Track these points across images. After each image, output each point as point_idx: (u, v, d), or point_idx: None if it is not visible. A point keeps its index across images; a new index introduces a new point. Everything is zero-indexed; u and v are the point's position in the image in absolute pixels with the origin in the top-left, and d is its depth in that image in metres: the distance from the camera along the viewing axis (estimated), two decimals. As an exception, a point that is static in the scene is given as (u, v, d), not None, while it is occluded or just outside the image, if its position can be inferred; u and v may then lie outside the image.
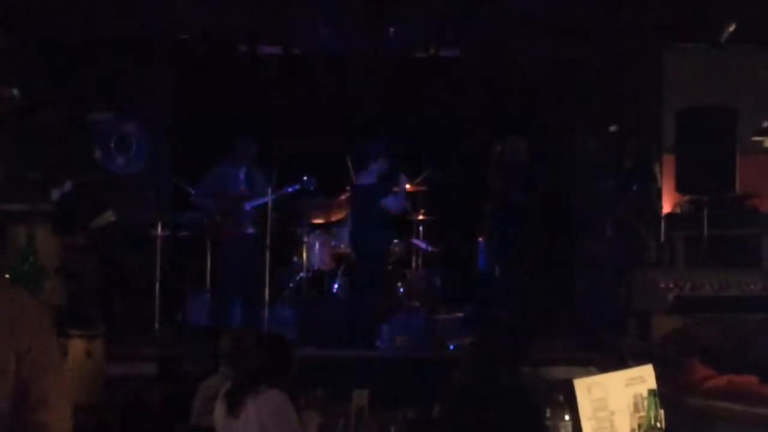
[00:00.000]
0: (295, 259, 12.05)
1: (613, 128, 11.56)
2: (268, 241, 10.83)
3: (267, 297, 11.24)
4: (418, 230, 11.82)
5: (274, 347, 5.62)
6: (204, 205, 10.80)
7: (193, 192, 11.02)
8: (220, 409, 5.33)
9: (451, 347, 10.27)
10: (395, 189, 10.93)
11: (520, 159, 10.85)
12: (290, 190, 10.90)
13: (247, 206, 10.79)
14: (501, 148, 10.95)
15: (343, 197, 12.27)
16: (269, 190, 10.81)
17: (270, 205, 10.80)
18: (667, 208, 10.46)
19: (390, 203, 10.85)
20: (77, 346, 8.62)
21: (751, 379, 5.99)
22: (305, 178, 10.94)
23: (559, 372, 7.11)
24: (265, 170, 10.96)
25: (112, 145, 11.55)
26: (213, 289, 11.19)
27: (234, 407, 5.21)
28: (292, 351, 5.67)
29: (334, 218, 12.21)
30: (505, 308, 10.92)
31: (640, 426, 3.97)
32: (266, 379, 5.27)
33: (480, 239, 11.83)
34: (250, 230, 10.85)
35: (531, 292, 10.73)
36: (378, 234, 11.01)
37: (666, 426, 3.90)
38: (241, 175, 10.93)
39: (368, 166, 10.97)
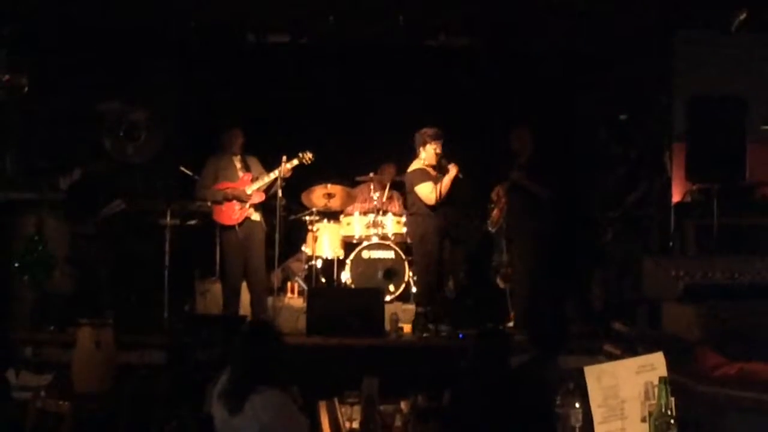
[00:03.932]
0: (304, 247, 12.07)
1: (622, 117, 11.54)
2: (277, 228, 10.83)
3: (275, 285, 11.27)
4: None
5: (261, 339, 5.51)
6: (207, 200, 10.79)
7: (195, 189, 11.02)
8: (218, 408, 5.28)
9: (461, 336, 10.25)
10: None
11: (526, 150, 10.81)
12: (289, 165, 10.85)
13: (249, 190, 10.78)
14: (510, 140, 10.89)
15: (355, 189, 12.31)
16: (268, 171, 10.85)
17: (273, 184, 10.83)
18: (677, 196, 10.44)
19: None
20: (86, 334, 8.65)
21: (763, 367, 5.97)
22: (300, 153, 10.92)
23: (568, 360, 7.08)
24: (275, 157, 10.94)
25: (122, 134, 11.55)
26: (221, 276, 11.18)
27: (233, 406, 5.15)
28: (279, 341, 5.56)
29: (342, 207, 12.22)
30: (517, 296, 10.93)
31: (651, 414, 3.97)
32: (263, 376, 5.23)
33: (490, 229, 11.81)
34: (255, 217, 10.84)
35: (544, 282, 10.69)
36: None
37: (677, 414, 3.89)
38: (237, 164, 10.93)
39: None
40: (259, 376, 5.21)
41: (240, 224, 10.76)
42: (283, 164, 10.78)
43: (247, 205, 10.77)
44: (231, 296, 10.84)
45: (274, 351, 5.42)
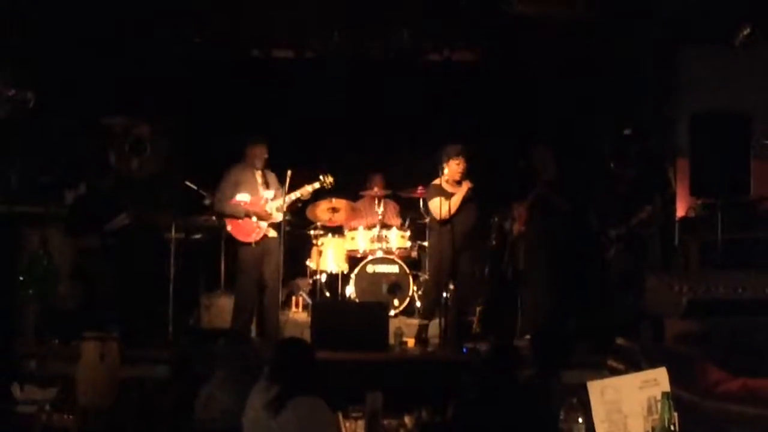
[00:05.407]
0: (308, 261, 12.09)
1: (627, 132, 11.54)
2: (281, 243, 10.82)
3: (281, 299, 11.25)
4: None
5: (298, 352, 5.77)
6: (225, 212, 10.75)
7: (213, 199, 10.95)
8: (256, 409, 5.45)
9: (464, 350, 10.24)
10: None
11: (549, 167, 10.82)
12: (309, 188, 10.87)
13: (269, 208, 10.74)
14: (531, 157, 10.90)
15: (357, 202, 12.33)
16: (288, 190, 10.81)
17: (292, 204, 10.86)
18: (680, 211, 10.44)
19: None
20: (91, 348, 8.65)
21: (766, 383, 5.97)
22: (321, 177, 10.94)
23: (572, 375, 7.09)
24: (281, 172, 10.92)
25: (127, 148, 11.57)
26: (236, 292, 11.08)
27: (275, 411, 5.34)
28: (313, 354, 5.81)
29: (346, 221, 12.24)
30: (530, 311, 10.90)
31: (653, 429, 3.97)
32: (303, 385, 5.43)
33: (494, 243, 11.81)
34: (272, 234, 10.79)
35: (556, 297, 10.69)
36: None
37: (679, 429, 3.90)
38: (258, 178, 10.89)
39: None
40: (299, 385, 5.44)
41: (257, 242, 10.72)
42: (304, 186, 10.83)
43: (266, 224, 10.74)
44: (242, 312, 10.76)
45: (312, 362, 5.75)
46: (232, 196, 10.72)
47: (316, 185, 10.91)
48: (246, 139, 10.91)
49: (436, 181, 10.82)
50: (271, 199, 10.79)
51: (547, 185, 10.72)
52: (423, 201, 11.33)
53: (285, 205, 10.79)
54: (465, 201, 10.67)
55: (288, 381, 5.42)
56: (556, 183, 10.75)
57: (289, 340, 7.71)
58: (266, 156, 10.85)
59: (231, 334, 10.23)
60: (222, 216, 10.85)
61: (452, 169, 10.70)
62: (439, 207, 10.63)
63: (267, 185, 10.89)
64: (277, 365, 5.57)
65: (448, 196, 10.63)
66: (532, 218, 10.88)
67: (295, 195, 10.80)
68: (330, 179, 10.96)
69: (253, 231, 10.69)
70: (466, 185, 10.64)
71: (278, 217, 10.78)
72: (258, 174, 10.88)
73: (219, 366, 6.61)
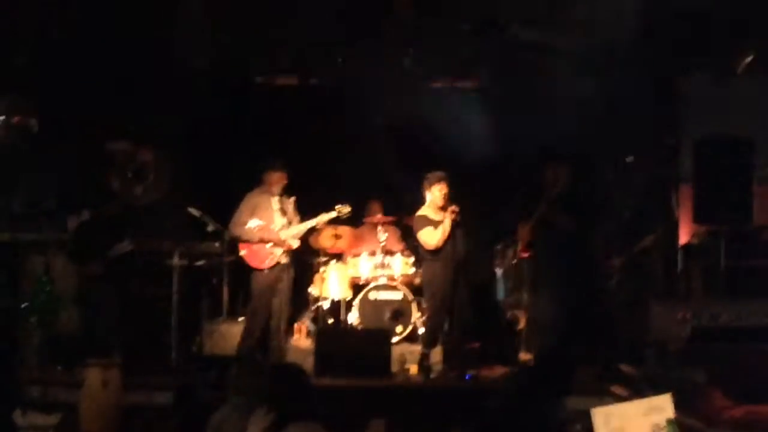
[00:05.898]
0: (311, 288, 12.07)
1: (629, 159, 11.54)
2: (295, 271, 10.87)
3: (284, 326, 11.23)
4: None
5: (293, 379, 5.77)
6: (239, 237, 10.75)
7: (228, 225, 10.91)
8: None
9: (467, 377, 10.21)
10: None
11: (560, 184, 10.73)
12: (326, 217, 10.89)
13: (284, 235, 10.73)
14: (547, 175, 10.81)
15: (359, 228, 12.33)
16: (302, 218, 10.87)
17: (307, 232, 10.91)
18: (684, 238, 10.43)
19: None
20: (94, 375, 8.64)
21: (769, 410, 5.97)
22: (339, 206, 10.93)
23: (575, 401, 7.07)
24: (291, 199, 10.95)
25: (130, 174, 11.56)
26: (247, 316, 11.05)
27: None
28: (309, 380, 5.83)
29: (349, 248, 12.23)
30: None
31: (658, 456, 3.96)
32: (302, 413, 5.46)
33: (498, 270, 11.80)
34: (285, 260, 10.78)
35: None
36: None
37: (685, 456, 3.89)
38: (274, 205, 10.88)
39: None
40: (295, 411, 5.48)
41: (270, 268, 10.72)
42: (321, 215, 10.88)
43: (280, 251, 10.73)
44: (250, 337, 10.72)
45: (307, 388, 5.77)
46: (247, 221, 10.73)
47: (333, 214, 10.91)
48: (264, 165, 10.90)
49: (421, 211, 10.77)
50: (287, 226, 10.79)
51: (550, 202, 10.62)
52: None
53: (300, 233, 10.82)
54: (454, 226, 10.62)
55: (283, 408, 5.42)
56: (561, 199, 10.64)
57: (283, 366, 7.73)
58: (284, 183, 10.83)
59: (242, 360, 10.22)
60: (236, 241, 10.84)
61: (435, 195, 10.65)
62: (428, 237, 10.59)
63: (284, 212, 10.87)
64: (272, 392, 5.58)
65: (436, 224, 10.60)
66: (536, 240, 10.83)
67: (310, 223, 10.83)
68: (347, 209, 10.94)
69: (266, 257, 10.68)
70: (451, 210, 10.58)
71: (293, 244, 10.78)
72: (274, 200, 10.86)
73: (232, 392, 6.59)
